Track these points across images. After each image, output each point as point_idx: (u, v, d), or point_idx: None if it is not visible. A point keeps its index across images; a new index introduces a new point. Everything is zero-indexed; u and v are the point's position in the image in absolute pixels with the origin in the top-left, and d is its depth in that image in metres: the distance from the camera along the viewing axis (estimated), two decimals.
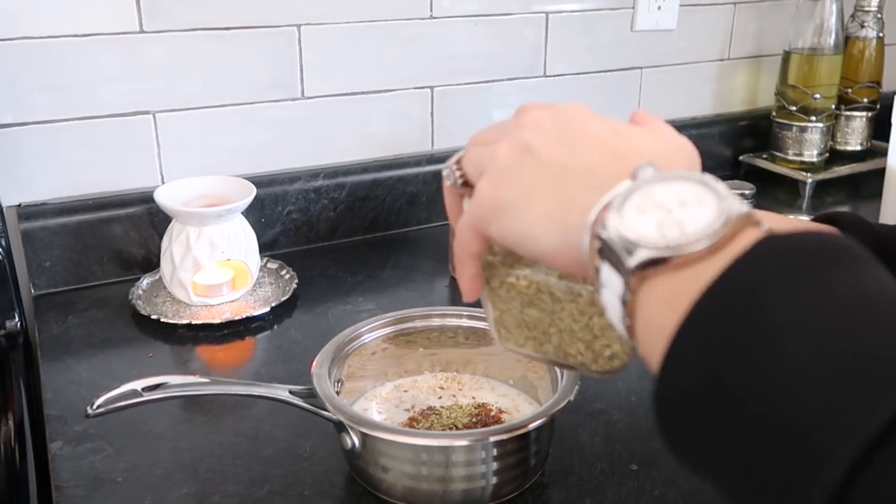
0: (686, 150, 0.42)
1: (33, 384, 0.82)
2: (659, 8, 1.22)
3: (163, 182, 0.97)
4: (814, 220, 0.58)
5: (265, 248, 1.00)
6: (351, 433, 0.58)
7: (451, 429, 0.64)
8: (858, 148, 1.32)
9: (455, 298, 0.92)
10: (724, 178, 1.00)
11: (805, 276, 0.28)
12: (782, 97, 1.26)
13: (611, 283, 0.33)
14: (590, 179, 0.36)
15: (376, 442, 0.57)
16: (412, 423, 0.65)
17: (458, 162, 0.44)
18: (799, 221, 0.56)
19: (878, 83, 1.30)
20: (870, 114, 1.31)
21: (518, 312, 0.44)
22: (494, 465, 0.57)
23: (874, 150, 1.32)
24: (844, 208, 1.26)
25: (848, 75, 1.28)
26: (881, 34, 1.27)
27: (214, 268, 0.87)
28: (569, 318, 0.43)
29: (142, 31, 0.91)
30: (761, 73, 1.37)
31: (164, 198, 0.86)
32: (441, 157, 1.12)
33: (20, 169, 0.90)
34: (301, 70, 1.01)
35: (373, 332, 0.69)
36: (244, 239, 0.88)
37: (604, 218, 0.33)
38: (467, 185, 0.43)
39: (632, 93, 1.26)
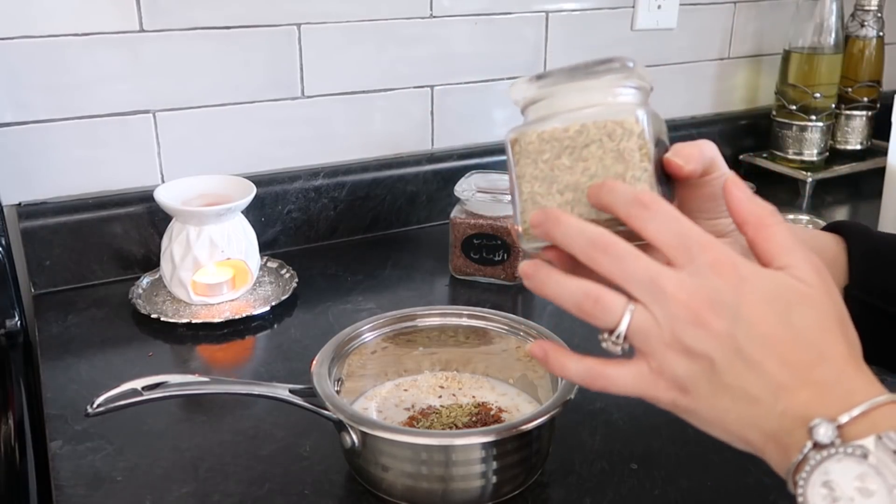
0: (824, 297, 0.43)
1: (33, 383, 0.82)
2: (659, 7, 1.22)
3: (163, 181, 0.97)
4: (822, 229, 0.58)
5: (265, 247, 1.00)
6: (351, 432, 0.58)
7: (450, 428, 0.64)
8: (858, 147, 1.32)
9: (455, 298, 0.93)
10: None
11: None
12: (782, 96, 1.26)
13: None
14: (775, 420, 0.40)
15: (376, 441, 0.57)
16: (412, 422, 0.65)
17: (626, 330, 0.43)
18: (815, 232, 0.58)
19: (878, 82, 1.30)
20: (870, 113, 1.31)
21: (547, 166, 0.46)
22: (494, 465, 0.57)
23: (874, 150, 1.32)
24: (844, 207, 1.26)
25: (848, 74, 1.28)
26: (881, 33, 1.27)
27: (214, 267, 0.87)
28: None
29: (142, 31, 0.91)
30: (761, 73, 1.37)
31: (164, 197, 0.86)
32: (441, 156, 1.12)
33: (20, 168, 0.90)
34: (301, 69, 1.01)
35: (373, 331, 0.69)
36: (244, 238, 0.88)
37: (796, 479, 0.39)
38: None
39: None
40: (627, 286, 0.42)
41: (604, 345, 0.43)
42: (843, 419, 0.38)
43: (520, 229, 0.48)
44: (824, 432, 0.38)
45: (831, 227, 0.58)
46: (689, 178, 0.48)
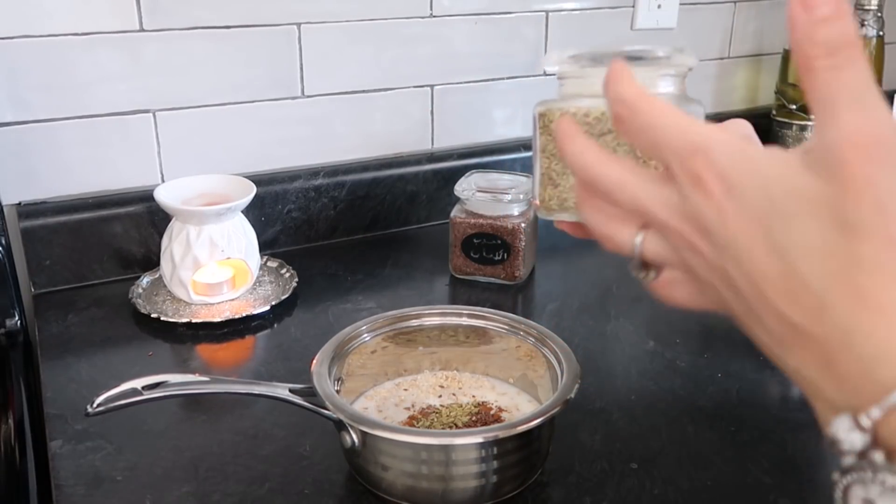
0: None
1: (33, 383, 0.82)
2: (659, 6, 1.22)
3: (163, 180, 0.97)
4: None
5: (265, 246, 1.00)
6: (351, 432, 0.58)
7: (450, 427, 0.64)
8: None
9: (455, 297, 0.93)
10: None
11: None
12: (782, 96, 1.26)
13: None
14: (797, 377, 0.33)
15: (376, 440, 0.57)
16: (412, 421, 0.65)
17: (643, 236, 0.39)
18: None
19: (879, 82, 1.30)
20: None
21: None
22: (494, 464, 0.57)
23: None
24: None
25: None
26: (881, 33, 1.27)
27: (214, 266, 0.87)
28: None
29: (142, 30, 0.91)
30: (761, 72, 1.37)
31: (164, 196, 0.86)
32: (441, 156, 1.12)
33: (20, 167, 0.90)
34: (301, 69, 1.01)
35: (373, 330, 0.69)
36: (244, 237, 0.88)
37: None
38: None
39: None
40: (628, 217, 0.39)
41: (634, 274, 0.41)
42: (875, 414, 0.29)
43: (537, 202, 0.49)
44: (847, 439, 0.30)
45: None
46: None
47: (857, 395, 0.30)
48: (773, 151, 0.34)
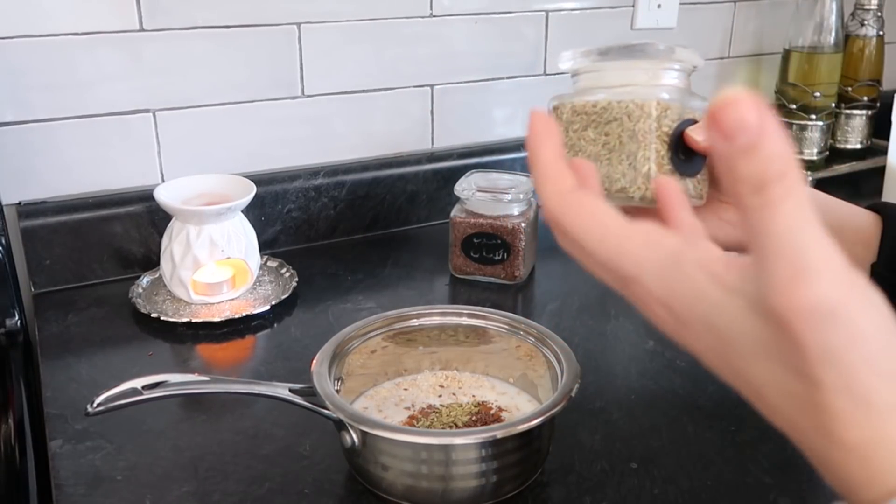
0: None
1: (33, 382, 0.82)
2: (659, 6, 1.22)
3: (163, 180, 0.97)
4: (865, 208, 0.58)
5: (265, 246, 1.00)
6: (351, 431, 0.58)
7: (450, 427, 0.64)
8: (858, 146, 1.32)
9: (455, 297, 0.93)
10: None
11: None
12: (782, 95, 1.26)
13: None
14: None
15: (376, 440, 0.57)
16: (412, 421, 0.65)
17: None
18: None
19: (878, 81, 1.30)
20: (870, 112, 1.31)
21: (576, 136, 0.50)
22: (494, 464, 0.57)
23: (874, 149, 1.32)
24: None
25: (848, 73, 1.27)
26: (881, 32, 1.27)
27: (214, 266, 0.87)
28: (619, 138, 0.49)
29: (142, 30, 0.91)
30: (761, 72, 1.36)
31: (164, 196, 0.86)
32: (441, 156, 1.12)
33: (20, 167, 0.90)
34: (301, 68, 1.01)
35: (373, 330, 0.69)
36: (244, 237, 0.88)
37: None
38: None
39: None
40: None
41: None
42: None
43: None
44: None
45: (873, 207, 0.57)
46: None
47: None
48: (710, 277, 0.34)
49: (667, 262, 0.34)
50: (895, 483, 0.30)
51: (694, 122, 0.51)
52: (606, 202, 0.37)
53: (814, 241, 0.30)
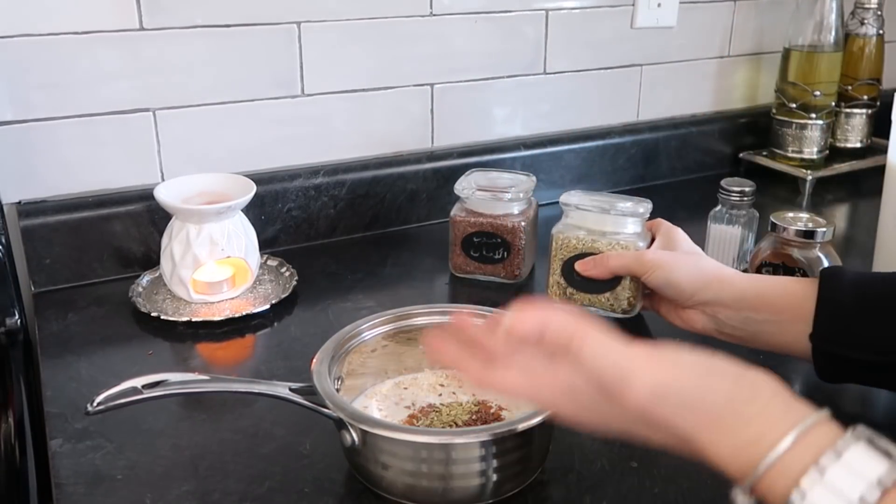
0: None
1: (33, 381, 0.82)
2: (659, 5, 1.22)
3: (163, 179, 0.97)
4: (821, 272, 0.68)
5: (265, 245, 1.00)
6: (351, 430, 0.58)
7: (451, 426, 0.64)
8: (858, 145, 1.32)
9: (455, 296, 0.93)
10: (724, 175, 1.01)
11: None
12: (782, 94, 1.26)
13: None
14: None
15: (376, 439, 0.57)
16: (412, 420, 0.65)
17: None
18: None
19: (878, 80, 1.30)
20: (870, 111, 1.31)
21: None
22: (494, 463, 0.57)
23: (874, 147, 1.32)
24: (844, 206, 1.26)
25: (848, 72, 1.27)
26: (881, 31, 1.27)
27: (214, 265, 0.87)
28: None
29: (142, 29, 0.91)
30: (761, 71, 1.36)
31: (164, 195, 0.86)
32: (441, 155, 1.12)
33: (20, 166, 0.90)
34: (301, 67, 1.01)
35: (373, 329, 0.69)
36: (244, 236, 0.88)
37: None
38: None
39: (632, 90, 1.26)
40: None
41: None
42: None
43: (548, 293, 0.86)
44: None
45: (822, 273, 0.67)
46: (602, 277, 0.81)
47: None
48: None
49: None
50: (754, 455, 0.42)
51: (588, 255, 0.80)
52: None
53: (617, 360, 0.46)
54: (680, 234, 0.80)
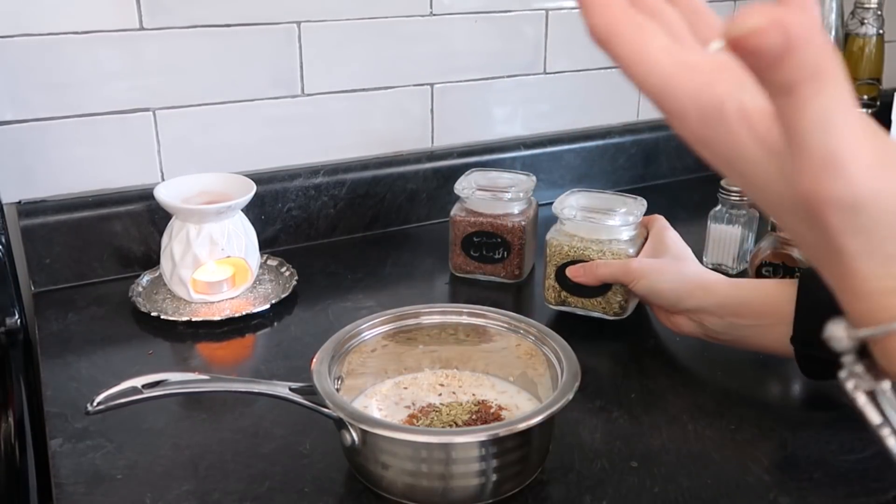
0: None
1: (33, 381, 0.82)
2: None
3: (163, 179, 0.97)
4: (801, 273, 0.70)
5: (265, 245, 1.00)
6: (351, 430, 0.58)
7: (451, 426, 0.64)
8: None
9: (455, 296, 0.93)
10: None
11: None
12: None
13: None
14: None
15: (376, 439, 0.57)
16: (412, 420, 0.65)
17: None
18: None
19: (878, 80, 1.30)
20: (870, 111, 1.31)
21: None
22: (494, 463, 0.57)
23: None
24: None
25: (848, 72, 1.27)
26: (881, 31, 1.27)
27: (214, 265, 0.87)
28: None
29: (142, 28, 0.91)
30: None
31: (163, 195, 0.86)
32: (441, 154, 1.12)
33: (20, 166, 0.90)
34: (301, 67, 1.01)
35: (373, 329, 0.69)
36: (244, 236, 0.88)
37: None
38: None
39: (632, 90, 1.26)
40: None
41: None
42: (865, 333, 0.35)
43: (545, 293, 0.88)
44: (837, 338, 0.36)
45: (801, 275, 0.68)
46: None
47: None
48: (753, 134, 0.34)
49: (712, 109, 0.34)
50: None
51: (579, 261, 0.82)
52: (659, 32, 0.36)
53: (843, 135, 0.31)
54: (670, 237, 0.82)
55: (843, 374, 0.36)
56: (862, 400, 0.36)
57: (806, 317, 0.66)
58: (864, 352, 0.36)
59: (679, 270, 0.77)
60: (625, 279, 0.78)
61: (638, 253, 0.82)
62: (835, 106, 0.31)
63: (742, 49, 0.29)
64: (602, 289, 0.82)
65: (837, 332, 0.36)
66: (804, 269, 0.70)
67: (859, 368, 0.36)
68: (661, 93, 0.34)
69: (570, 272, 0.82)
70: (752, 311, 0.70)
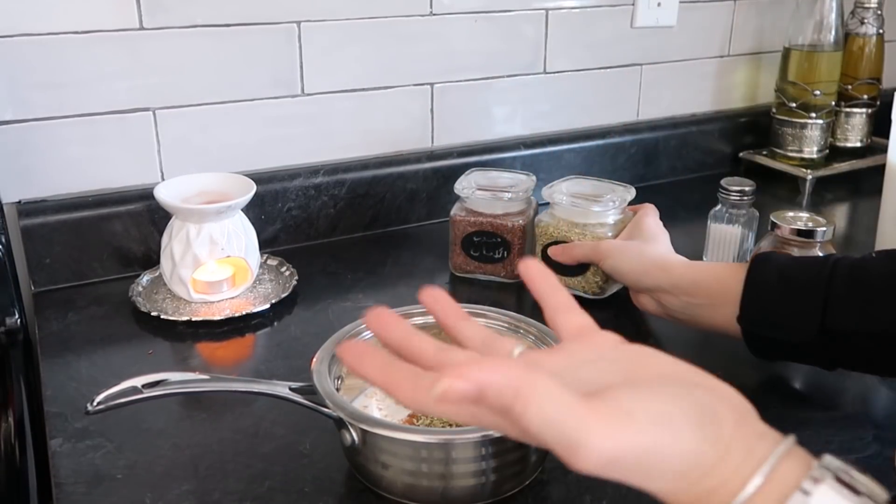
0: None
1: (33, 381, 0.82)
2: (659, 5, 1.22)
3: (163, 179, 0.97)
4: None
5: (265, 244, 1.00)
6: (351, 430, 0.58)
7: (450, 425, 0.64)
8: (858, 144, 1.32)
9: (455, 295, 0.92)
10: (724, 174, 1.01)
11: None
12: (782, 94, 1.26)
13: None
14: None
15: (376, 439, 0.57)
16: (412, 419, 0.65)
17: None
18: None
19: (878, 80, 1.30)
20: (870, 110, 1.31)
21: None
22: (494, 462, 0.57)
23: (874, 147, 1.32)
24: (844, 205, 1.26)
25: (848, 72, 1.27)
26: (881, 30, 1.27)
27: (214, 264, 0.87)
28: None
29: (142, 28, 0.91)
30: (761, 70, 1.36)
31: (163, 194, 0.86)
32: (441, 154, 1.12)
33: (20, 166, 0.90)
34: (301, 67, 1.01)
35: None
36: (244, 236, 0.88)
37: None
38: None
39: (632, 90, 1.26)
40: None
41: None
42: None
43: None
44: None
45: (753, 259, 0.70)
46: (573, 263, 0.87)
47: None
48: None
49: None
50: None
51: (563, 242, 0.87)
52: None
53: (566, 422, 0.36)
54: (647, 222, 0.85)
55: None
56: None
57: (753, 297, 0.68)
58: None
59: (640, 251, 0.80)
60: (595, 258, 0.84)
61: (616, 237, 0.86)
62: (547, 406, 0.36)
63: (449, 400, 0.37)
64: (580, 268, 0.87)
65: None
66: (758, 254, 0.72)
67: None
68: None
69: (551, 251, 0.87)
70: (703, 290, 0.73)
